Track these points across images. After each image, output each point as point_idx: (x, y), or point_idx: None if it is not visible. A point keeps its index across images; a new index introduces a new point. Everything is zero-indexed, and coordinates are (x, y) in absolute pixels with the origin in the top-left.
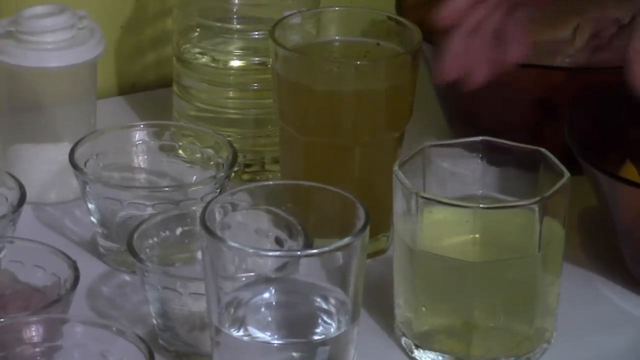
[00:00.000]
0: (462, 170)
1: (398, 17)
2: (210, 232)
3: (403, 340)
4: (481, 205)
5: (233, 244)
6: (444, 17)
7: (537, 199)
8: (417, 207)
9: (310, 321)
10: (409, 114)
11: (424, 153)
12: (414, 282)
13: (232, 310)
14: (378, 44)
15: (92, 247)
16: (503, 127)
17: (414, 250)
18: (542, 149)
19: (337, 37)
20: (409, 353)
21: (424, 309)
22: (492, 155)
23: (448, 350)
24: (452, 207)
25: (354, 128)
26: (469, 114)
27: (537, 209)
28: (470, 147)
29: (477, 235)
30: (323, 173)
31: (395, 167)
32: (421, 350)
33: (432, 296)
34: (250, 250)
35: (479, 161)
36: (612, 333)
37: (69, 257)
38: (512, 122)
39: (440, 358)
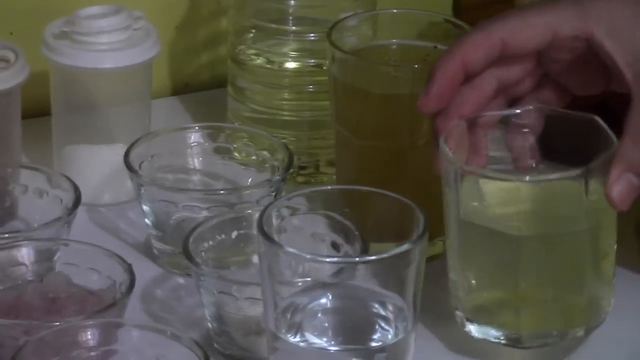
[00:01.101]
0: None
1: (455, 20)
2: (268, 237)
3: (456, 313)
4: (526, 178)
5: (290, 250)
6: (426, 104)
7: (582, 169)
8: (461, 179)
9: (367, 327)
10: None
11: (473, 122)
12: (462, 255)
13: (288, 316)
14: (435, 47)
15: (146, 250)
16: None
17: (461, 222)
18: (596, 117)
19: (394, 40)
20: (462, 327)
21: (473, 282)
22: (546, 122)
23: (499, 324)
24: (494, 180)
25: (410, 132)
26: None
27: (583, 178)
28: (522, 117)
29: (529, 206)
30: (379, 177)
31: (441, 140)
32: (474, 324)
33: (481, 270)
34: (308, 256)
35: (532, 131)
36: None
37: (124, 260)
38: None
39: (492, 331)
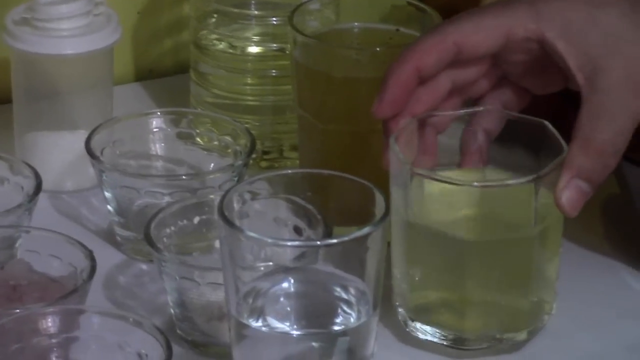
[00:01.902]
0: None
1: (418, 3)
2: (228, 221)
3: (399, 312)
4: (475, 184)
5: (251, 234)
6: (380, 111)
7: (533, 176)
8: (410, 179)
9: (330, 311)
10: None
11: (423, 123)
12: (408, 254)
13: (250, 301)
14: (397, 30)
15: (109, 236)
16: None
17: (408, 222)
18: (545, 122)
19: (356, 24)
20: (404, 325)
21: (418, 281)
22: (495, 125)
23: (442, 324)
24: (444, 183)
25: (372, 115)
26: None
27: (533, 184)
28: (473, 117)
29: (477, 210)
30: (342, 161)
31: (391, 139)
32: (416, 323)
33: (427, 269)
34: (269, 240)
35: (481, 131)
36: (634, 322)
37: (85, 247)
38: (533, 111)
39: (435, 331)
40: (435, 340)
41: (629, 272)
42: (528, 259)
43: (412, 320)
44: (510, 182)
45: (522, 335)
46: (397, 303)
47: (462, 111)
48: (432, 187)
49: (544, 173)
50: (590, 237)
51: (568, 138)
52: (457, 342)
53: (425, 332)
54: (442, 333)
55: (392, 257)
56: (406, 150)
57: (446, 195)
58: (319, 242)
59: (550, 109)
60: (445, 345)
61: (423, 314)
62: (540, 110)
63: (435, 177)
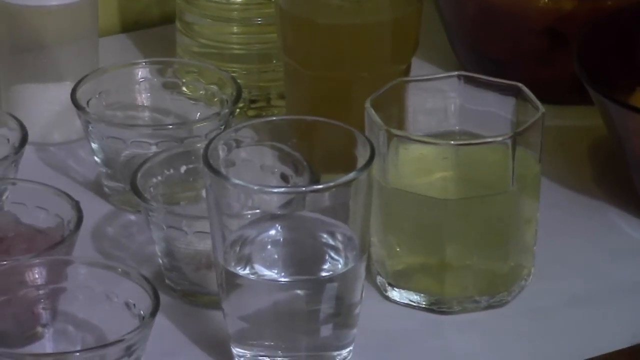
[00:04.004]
0: (439, 105)
1: None
2: (213, 169)
3: (378, 279)
4: (452, 142)
5: (237, 182)
6: None
7: (509, 134)
8: (387, 143)
9: (317, 258)
10: (415, 45)
11: (399, 88)
12: (386, 220)
13: (237, 249)
14: None
15: (96, 188)
16: (511, 56)
17: (385, 188)
18: (520, 84)
19: None
20: (383, 292)
21: (397, 248)
22: (469, 90)
23: (422, 289)
24: (422, 144)
25: (359, 61)
26: (476, 43)
27: (510, 144)
28: (447, 82)
29: (452, 173)
30: (329, 107)
31: (367, 104)
32: (395, 290)
33: (405, 235)
34: (255, 188)
35: (456, 96)
36: (624, 263)
37: (72, 198)
38: (520, 52)
39: (414, 297)
40: (415, 304)
41: (617, 214)
42: (505, 219)
43: (392, 286)
44: (486, 140)
45: (500, 298)
46: (376, 270)
47: (439, 75)
48: (409, 152)
49: (521, 131)
50: (578, 179)
51: (554, 79)
52: (437, 306)
53: (405, 297)
54: (422, 297)
55: (370, 224)
56: (385, 114)
57: (423, 160)
58: (304, 189)
59: (538, 52)
60: (425, 309)
61: (402, 279)
62: (528, 52)
63: (413, 138)
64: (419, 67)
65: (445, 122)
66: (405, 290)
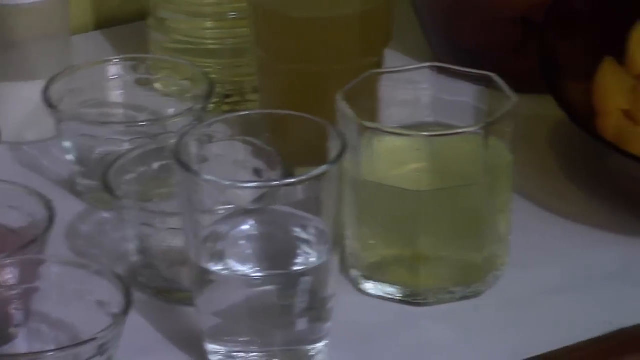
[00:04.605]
0: (411, 97)
1: None
2: (184, 165)
3: (352, 272)
4: (425, 134)
5: (208, 177)
6: None
7: (481, 124)
8: (360, 136)
9: (290, 252)
10: (387, 37)
11: (371, 81)
12: (360, 213)
13: (210, 245)
14: None
15: (70, 186)
16: (485, 46)
17: (358, 181)
18: (492, 74)
19: None
20: (358, 285)
21: (371, 240)
22: (441, 81)
23: (396, 281)
24: (395, 136)
25: (331, 54)
26: (450, 34)
27: (482, 134)
28: (419, 74)
29: (426, 164)
30: (302, 101)
31: (339, 97)
32: (370, 282)
33: (379, 227)
34: (226, 183)
35: (428, 87)
36: (598, 251)
37: (43, 197)
38: (493, 41)
39: (389, 289)
40: (390, 297)
41: (588, 202)
42: (479, 210)
43: (366, 279)
44: (458, 130)
45: (475, 289)
46: (350, 263)
47: (411, 67)
48: (382, 144)
49: (493, 121)
50: (548, 169)
51: (528, 68)
52: (412, 298)
53: (379, 289)
54: (396, 289)
55: (344, 218)
56: (357, 106)
57: (396, 152)
58: (275, 183)
59: (511, 41)
60: (400, 301)
61: (376, 272)
62: (502, 42)
63: (385, 130)
64: (393, 58)
65: (419, 114)
66: (379, 283)
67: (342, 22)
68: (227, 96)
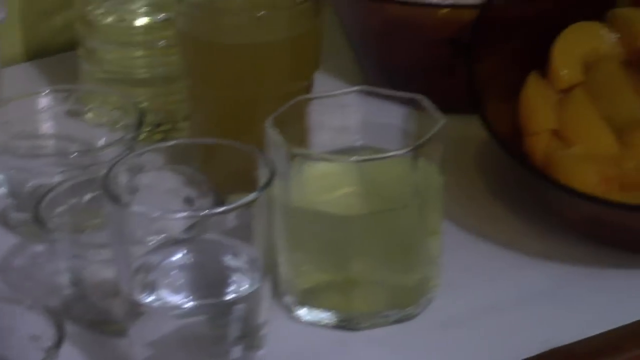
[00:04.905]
0: (341, 121)
1: None
2: (112, 197)
3: (286, 298)
4: (353, 158)
5: (136, 209)
6: None
7: (410, 147)
8: (289, 162)
9: (222, 280)
10: (316, 62)
11: (299, 106)
12: (292, 239)
13: (142, 276)
14: None
15: (3, 220)
16: (415, 68)
17: (288, 207)
18: (420, 96)
19: None
20: (292, 311)
21: (304, 266)
22: (370, 104)
23: (330, 306)
24: (324, 161)
25: (260, 80)
26: (381, 56)
27: (411, 157)
28: (348, 98)
29: (356, 188)
30: (233, 128)
31: (268, 123)
32: (304, 308)
33: (312, 253)
34: (155, 214)
35: (358, 111)
36: (529, 270)
37: None
38: (423, 63)
39: (323, 315)
40: (324, 322)
41: (518, 222)
42: (410, 232)
43: (300, 305)
44: (387, 154)
45: (409, 312)
46: (283, 290)
47: (339, 91)
48: (312, 170)
49: (421, 144)
50: (477, 190)
51: (458, 89)
52: (346, 323)
53: (313, 315)
54: (330, 315)
55: (276, 245)
56: (287, 132)
57: (326, 177)
58: (204, 212)
59: (441, 63)
60: (335, 327)
61: (310, 297)
62: (431, 63)
63: (314, 156)
64: (325, 82)
65: (349, 138)
66: (313, 309)
67: (271, 48)
68: (159, 124)
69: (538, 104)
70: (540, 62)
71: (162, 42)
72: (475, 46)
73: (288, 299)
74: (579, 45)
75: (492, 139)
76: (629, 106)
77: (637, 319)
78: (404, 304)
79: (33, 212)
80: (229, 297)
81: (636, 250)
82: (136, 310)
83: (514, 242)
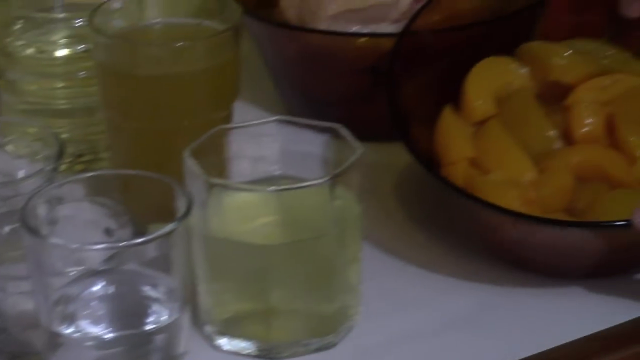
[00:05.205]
0: (260, 151)
1: None
2: (31, 229)
3: (206, 328)
4: (270, 188)
5: (55, 241)
6: None
7: (327, 176)
8: (207, 192)
9: (141, 311)
10: (235, 91)
11: (218, 136)
12: (211, 269)
13: (61, 307)
14: (199, 23)
15: None
16: (335, 97)
17: (207, 237)
18: (337, 125)
19: (158, 20)
20: (212, 341)
21: (224, 296)
22: (289, 134)
23: (250, 336)
24: (242, 191)
25: (178, 111)
26: (300, 86)
27: (329, 185)
28: (266, 128)
29: (276, 217)
30: (152, 158)
31: (186, 154)
32: (224, 338)
33: (231, 282)
34: (74, 246)
35: (276, 141)
36: (449, 297)
37: None
38: (343, 92)
39: (243, 344)
40: (244, 352)
41: (438, 249)
42: (329, 261)
43: (220, 335)
44: (304, 183)
45: (329, 341)
46: (203, 319)
47: (258, 121)
48: (231, 200)
49: (339, 173)
50: (393, 217)
51: (378, 117)
52: (266, 352)
53: (234, 345)
54: (251, 344)
55: (195, 274)
56: (206, 162)
57: (245, 206)
58: (122, 243)
59: (360, 91)
60: (255, 356)
61: (230, 327)
62: (351, 92)
63: (232, 186)
64: (246, 111)
65: (268, 167)
66: (234, 338)
67: (190, 79)
68: (80, 155)
69: (453, 134)
70: (458, 92)
71: (82, 73)
72: (394, 74)
73: (208, 329)
74: (490, 80)
75: (416, 164)
76: (543, 135)
77: (560, 342)
78: (324, 332)
79: None
80: (148, 327)
81: (558, 273)
82: (56, 342)
83: (435, 268)
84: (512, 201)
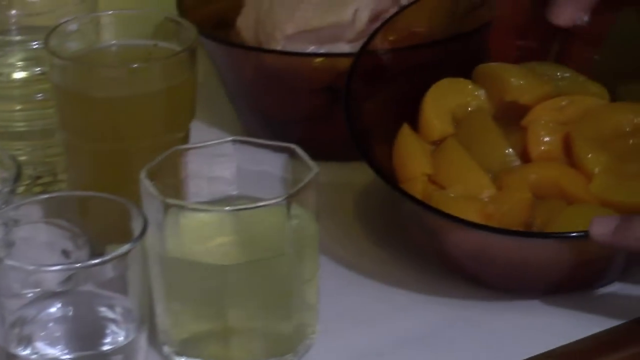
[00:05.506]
0: (216, 171)
1: (175, 17)
2: None
3: (164, 349)
4: (226, 208)
5: (11, 263)
6: None
7: (283, 196)
8: (163, 213)
9: (98, 332)
10: (191, 112)
11: (175, 157)
12: (168, 289)
13: (18, 329)
14: (155, 45)
15: None
16: (292, 117)
17: (164, 258)
18: (293, 145)
19: (114, 42)
20: None
21: (181, 316)
22: (245, 154)
23: (208, 356)
24: (198, 211)
25: (135, 132)
26: (257, 106)
27: (285, 205)
28: (223, 148)
29: (232, 237)
30: (110, 179)
31: (142, 175)
32: (182, 358)
33: (188, 302)
34: (30, 267)
35: (233, 161)
36: (407, 315)
37: None
38: (300, 112)
39: None
40: None
41: (395, 267)
42: (286, 280)
43: (178, 355)
44: (261, 203)
45: (287, 358)
46: (161, 340)
47: (214, 141)
48: (188, 220)
49: (294, 192)
50: (352, 235)
51: (336, 137)
52: None
53: None
54: None
55: (153, 294)
56: (162, 183)
57: (202, 227)
58: (78, 265)
59: (318, 111)
60: None
61: (188, 347)
62: (308, 112)
63: (188, 206)
64: (203, 132)
65: (225, 187)
66: (192, 358)
67: (146, 100)
68: (39, 177)
69: (411, 151)
70: (416, 111)
71: (39, 96)
72: (352, 93)
73: (167, 349)
74: (448, 100)
75: (376, 182)
76: (501, 154)
77: (521, 358)
78: (282, 351)
79: None
80: (105, 348)
81: (516, 290)
82: None
83: (395, 284)
84: (471, 215)
